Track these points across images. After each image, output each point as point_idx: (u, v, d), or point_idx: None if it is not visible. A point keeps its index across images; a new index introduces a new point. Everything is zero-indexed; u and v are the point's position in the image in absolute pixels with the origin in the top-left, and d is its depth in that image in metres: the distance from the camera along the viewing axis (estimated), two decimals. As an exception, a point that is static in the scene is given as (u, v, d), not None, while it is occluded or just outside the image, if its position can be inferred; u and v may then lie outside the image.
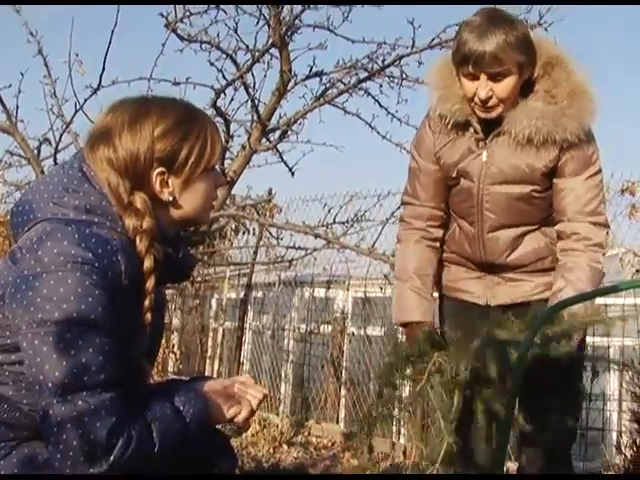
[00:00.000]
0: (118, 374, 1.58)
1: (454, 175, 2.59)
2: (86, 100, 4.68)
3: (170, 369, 7.30)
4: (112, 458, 1.53)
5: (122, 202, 1.68)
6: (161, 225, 1.72)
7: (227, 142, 5.10)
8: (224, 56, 4.87)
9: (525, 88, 2.47)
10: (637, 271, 4.95)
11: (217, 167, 1.83)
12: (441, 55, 2.52)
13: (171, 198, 1.74)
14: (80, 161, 1.73)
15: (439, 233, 2.69)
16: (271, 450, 5.21)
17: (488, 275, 2.64)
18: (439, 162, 2.61)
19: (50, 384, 1.52)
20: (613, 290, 2.59)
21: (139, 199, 1.69)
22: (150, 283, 1.67)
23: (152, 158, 1.69)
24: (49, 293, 1.54)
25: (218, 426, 1.90)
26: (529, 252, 2.58)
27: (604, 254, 2.55)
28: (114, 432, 1.54)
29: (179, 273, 1.85)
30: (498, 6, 2.56)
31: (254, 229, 6.81)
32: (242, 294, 6.80)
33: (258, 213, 6.50)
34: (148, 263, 1.66)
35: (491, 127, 2.50)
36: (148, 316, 1.69)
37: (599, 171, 2.53)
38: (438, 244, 2.69)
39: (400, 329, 3.80)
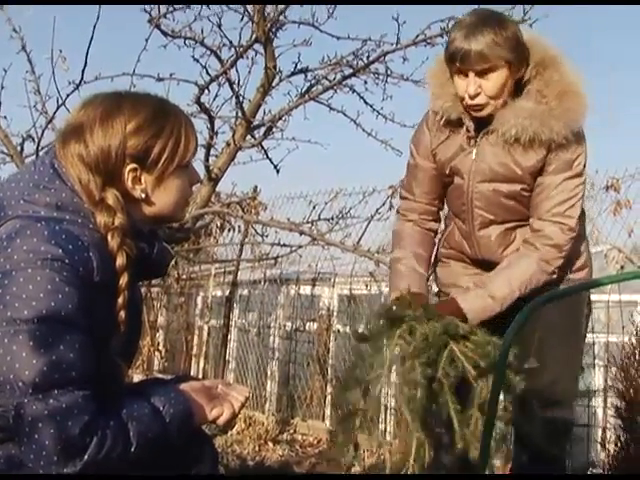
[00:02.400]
0: (91, 372, 1.56)
1: (447, 172, 2.63)
2: (68, 96, 4.65)
3: (155, 367, 7.28)
4: (86, 457, 1.51)
5: (93, 198, 1.66)
6: (134, 221, 1.71)
7: (211, 139, 5.07)
8: (208, 52, 4.84)
9: (518, 88, 2.49)
10: (621, 267, 4.96)
11: (192, 164, 1.82)
12: (437, 54, 2.54)
13: (143, 195, 1.72)
14: (52, 157, 1.71)
15: (433, 225, 2.75)
16: (256, 448, 5.21)
17: (485, 272, 2.66)
18: (435, 159, 2.65)
19: (21, 383, 1.50)
20: (595, 284, 2.61)
21: (111, 195, 1.67)
22: (123, 280, 1.65)
23: (124, 154, 1.68)
24: (19, 291, 1.52)
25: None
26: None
27: (564, 257, 2.55)
28: (87, 431, 1.52)
29: (155, 269, 1.83)
30: (489, 6, 2.59)
31: (239, 226, 6.79)
32: (227, 292, 6.80)
33: (243, 210, 6.48)
34: (120, 260, 1.65)
35: (482, 125, 2.52)
36: (122, 314, 1.67)
37: (580, 174, 2.53)
38: (433, 233, 2.76)
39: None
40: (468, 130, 2.54)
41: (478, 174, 2.55)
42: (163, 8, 4.56)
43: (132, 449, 1.58)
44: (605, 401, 4.55)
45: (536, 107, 2.44)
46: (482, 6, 2.62)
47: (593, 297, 4.24)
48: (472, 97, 2.43)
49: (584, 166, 2.54)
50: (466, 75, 2.42)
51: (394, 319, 2.29)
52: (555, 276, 2.57)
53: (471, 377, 2.19)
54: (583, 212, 2.74)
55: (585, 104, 2.47)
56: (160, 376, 5.02)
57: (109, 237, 1.64)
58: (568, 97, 2.44)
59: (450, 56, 2.42)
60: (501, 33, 2.38)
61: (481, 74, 2.40)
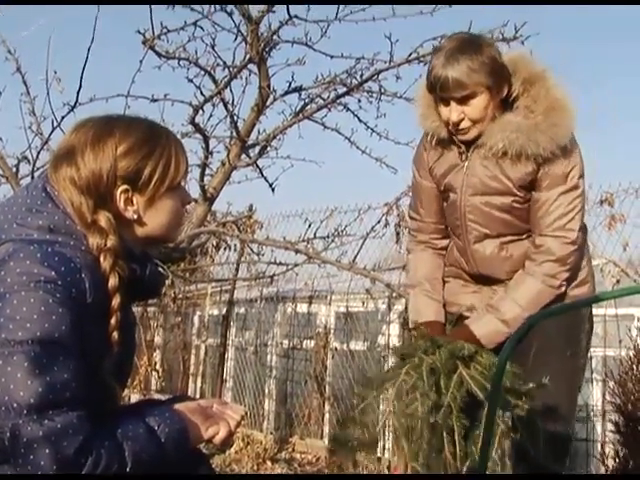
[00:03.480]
0: (85, 392, 1.56)
1: (443, 189, 2.66)
2: (63, 118, 4.68)
3: (153, 387, 7.26)
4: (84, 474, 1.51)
5: (85, 221, 1.67)
6: (126, 243, 1.72)
7: (206, 158, 5.10)
8: (202, 72, 4.87)
9: (507, 105, 2.53)
10: (617, 281, 4.97)
11: (184, 185, 1.83)
12: (424, 76, 2.57)
13: (135, 216, 1.74)
14: (44, 181, 1.73)
15: (443, 243, 2.78)
16: (255, 467, 5.19)
17: (484, 288, 2.68)
18: (433, 177, 2.69)
19: (15, 404, 1.50)
20: (595, 300, 2.61)
21: (103, 217, 1.68)
22: (116, 301, 1.66)
23: (115, 176, 1.70)
24: (12, 313, 1.53)
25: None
26: (519, 262, 2.61)
27: (569, 270, 2.56)
28: (82, 451, 1.52)
29: (147, 291, 1.84)
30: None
31: (235, 245, 6.80)
32: (224, 310, 6.79)
33: (239, 229, 6.49)
34: (113, 281, 1.66)
35: (473, 140, 2.55)
36: (115, 335, 1.67)
37: (575, 187, 2.54)
38: (444, 252, 2.79)
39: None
40: (459, 146, 2.58)
41: (470, 188, 2.58)
42: (157, 30, 4.59)
43: (127, 469, 1.58)
44: (604, 415, 4.54)
45: (523, 121, 2.48)
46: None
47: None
48: (456, 123, 2.48)
49: (580, 178, 2.55)
50: (448, 103, 2.47)
51: (405, 355, 2.35)
52: (563, 289, 2.58)
53: (479, 398, 2.24)
54: (584, 227, 2.75)
55: (571, 118, 2.50)
56: (156, 396, 5.00)
57: (101, 258, 1.65)
58: (554, 112, 2.47)
59: (430, 85, 2.48)
60: (477, 58, 2.42)
61: (462, 101, 2.45)
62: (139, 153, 1.71)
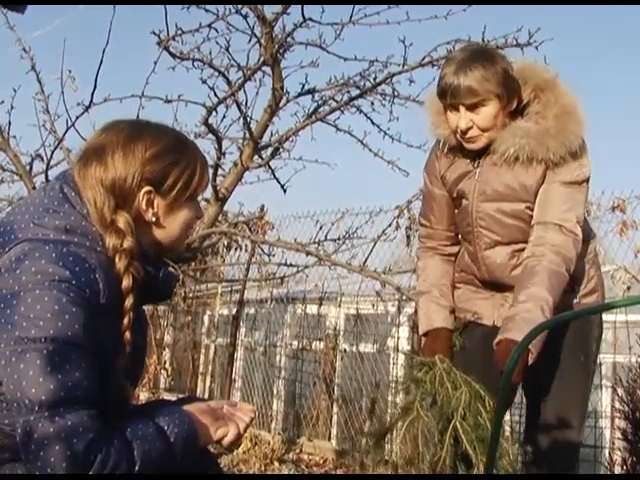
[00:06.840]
0: (96, 391, 1.58)
1: (455, 196, 2.67)
2: (78, 117, 4.70)
3: (162, 385, 7.29)
4: (90, 474, 1.53)
5: (105, 221, 1.70)
6: (142, 245, 1.74)
7: (219, 159, 5.10)
8: (216, 74, 4.88)
9: (517, 112, 2.54)
10: (628, 288, 4.96)
11: (200, 199, 1.87)
12: (436, 81, 2.58)
13: (154, 219, 1.77)
14: (61, 182, 1.75)
15: (453, 249, 2.78)
16: (262, 467, 5.20)
17: (496, 294, 2.67)
18: (445, 184, 2.69)
19: (27, 401, 1.52)
20: (608, 307, 2.58)
21: (122, 218, 1.71)
22: (129, 302, 1.69)
23: (141, 179, 1.73)
24: (26, 311, 1.55)
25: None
26: None
27: (572, 261, 2.49)
28: (92, 448, 1.54)
29: (160, 293, 1.87)
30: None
31: (246, 246, 6.82)
32: (234, 310, 6.82)
33: (250, 230, 6.51)
34: (126, 282, 1.68)
35: (484, 147, 2.56)
36: (127, 335, 1.69)
37: (577, 183, 2.51)
38: (453, 258, 2.79)
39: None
40: (470, 153, 2.58)
41: (481, 194, 2.58)
42: (172, 31, 4.60)
43: (136, 468, 1.59)
44: (612, 422, 4.54)
45: (533, 126, 2.49)
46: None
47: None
48: (464, 131, 2.49)
49: (585, 180, 2.54)
50: (457, 110, 2.48)
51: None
52: (568, 278, 2.50)
53: (471, 455, 2.28)
54: (593, 235, 2.75)
55: (580, 124, 2.50)
56: (166, 397, 5.03)
57: (117, 259, 1.68)
58: (565, 117, 2.48)
59: (441, 91, 2.48)
60: (489, 68, 2.44)
61: (472, 108, 2.46)
62: (167, 158, 1.76)
